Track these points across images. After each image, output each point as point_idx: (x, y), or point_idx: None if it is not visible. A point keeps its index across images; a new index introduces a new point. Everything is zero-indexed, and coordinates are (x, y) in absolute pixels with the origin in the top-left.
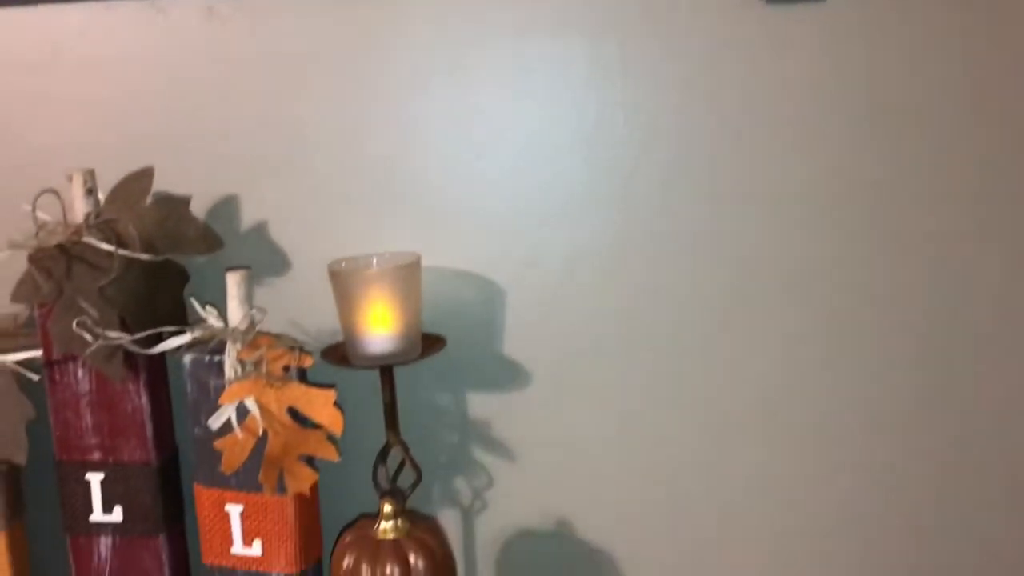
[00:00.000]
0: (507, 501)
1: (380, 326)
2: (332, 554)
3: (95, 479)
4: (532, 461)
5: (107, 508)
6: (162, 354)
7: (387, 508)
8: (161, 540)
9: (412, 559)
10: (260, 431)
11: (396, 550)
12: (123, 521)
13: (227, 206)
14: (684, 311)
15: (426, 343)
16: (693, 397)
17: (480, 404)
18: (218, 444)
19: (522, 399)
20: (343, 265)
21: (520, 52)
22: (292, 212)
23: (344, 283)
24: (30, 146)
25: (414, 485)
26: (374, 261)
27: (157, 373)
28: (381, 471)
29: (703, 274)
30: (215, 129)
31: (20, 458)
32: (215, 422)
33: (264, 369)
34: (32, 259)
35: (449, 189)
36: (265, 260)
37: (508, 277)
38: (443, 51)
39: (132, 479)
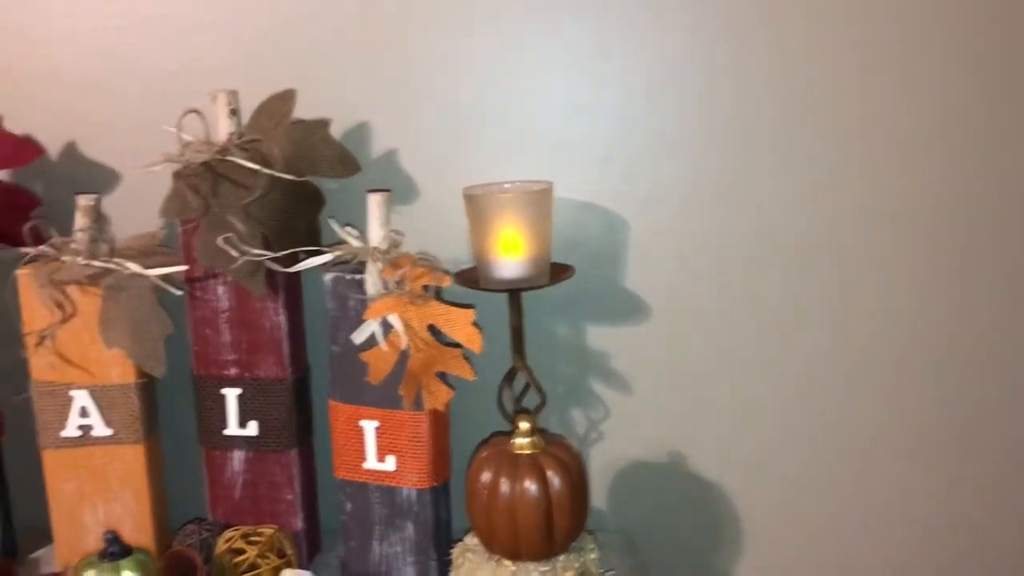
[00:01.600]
0: (621, 432)
1: (511, 251)
2: (468, 469)
3: (231, 394)
4: (648, 394)
5: (242, 423)
6: (297, 274)
7: (523, 425)
8: (293, 455)
9: (549, 474)
10: (404, 346)
11: (534, 464)
12: (258, 435)
13: (360, 132)
14: (804, 246)
15: (554, 271)
16: (811, 333)
17: (599, 336)
18: (364, 356)
19: (640, 332)
20: (478, 189)
21: None
22: (423, 141)
23: (479, 206)
24: (166, 70)
25: (538, 408)
26: (507, 186)
27: (293, 292)
28: (507, 392)
29: (823, 207)
30: (353, 54)
31: (158, 371)
32: (358, 336)
33: (408, 287)
34: (180, 175)
35: (574, 122)
36: (396, 186)
37: (631, 209)
38: None
39: (268, 395)
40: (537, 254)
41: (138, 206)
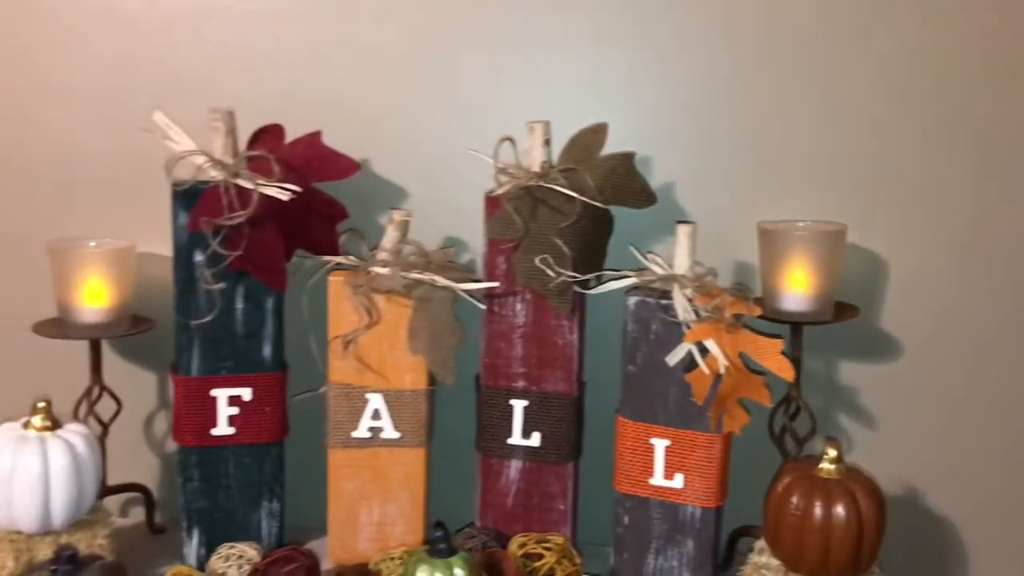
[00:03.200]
0: (861, 463)
1: (798, 285)
2: (771, 493)
3: (519, 405)
4: (892, 431)
5: (526, 433)
6: (583, 296)
7: (831, 452)
8: (570, 467)
9: (860, 498)
10: (721, 370)
11: (845, 489)
12: (539, 446)
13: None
14: None
15: (837, 309)
16: None
17: (848, 372)
18: (688, 377)
19: (891, 372)
20: (773, 224)
21: None
22: (700, 178)
23: (772, 240)
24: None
25: (809, 435)
26: (800, 224)
27: (582, 312)
28: (780, 418)
29: None
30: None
31: (449, 380)
32: (672, 358)
33: (726, 315)
34: (508, 198)
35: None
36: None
37: (892, 250)
38: None
39: (553, 408)
40: (823, 291)
41: (422, 222)
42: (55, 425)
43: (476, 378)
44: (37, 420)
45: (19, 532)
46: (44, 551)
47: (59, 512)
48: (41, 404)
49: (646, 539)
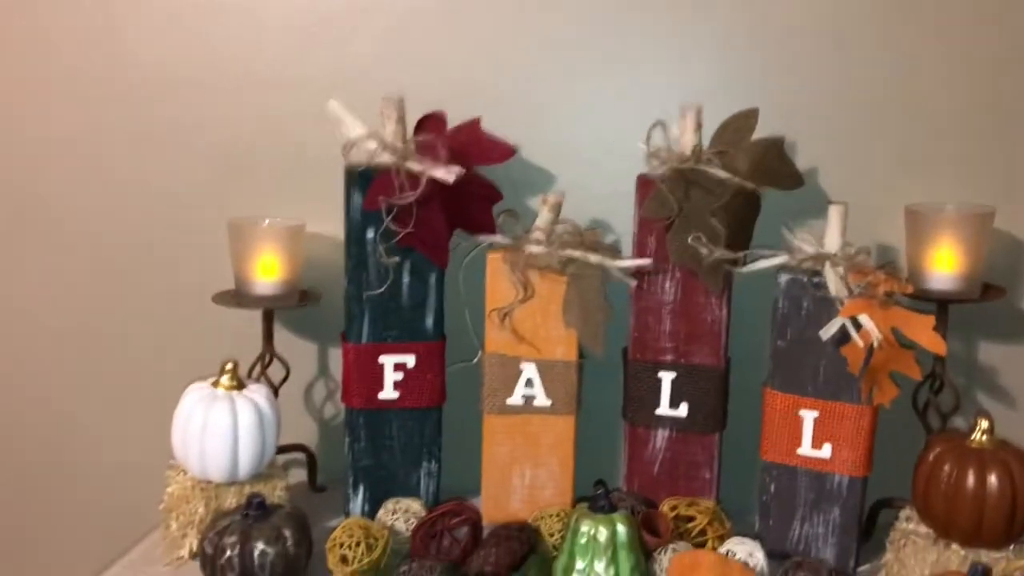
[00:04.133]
0: None
1: (944, 266)
2: (921, 461)
3: (667, 378)
4: None
5: (674, 404)
6: (730, 273)
7: (984, 423)
8: (716, 437)
9: (1015, 468)
10: (875, 343)
11: (999, 460)
12: (687, 417)
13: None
14: None
15: (985, 290)
16: None
17: (990, 353)
18: (843, 349)
19: None
20: (921, 207)
21: None
22: (844, 163)
23: (920, 222)
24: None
25: (954, 409)
26: (949, 208)
27: (730, 290)
28: (923, 393)
29: None
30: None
31: (599, 351)
32: (826, 332)
33: (879, 291)
34: (663, 180)
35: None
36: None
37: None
38: None
39: (701, 380)
40: (970, 272)
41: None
42: (241, 385)
43: (623, 351)
44: (225, 380)
45: (209, 482)
46: (230, 500)
47: (245, 464)
48: (229, 365)
49: (792, 506)
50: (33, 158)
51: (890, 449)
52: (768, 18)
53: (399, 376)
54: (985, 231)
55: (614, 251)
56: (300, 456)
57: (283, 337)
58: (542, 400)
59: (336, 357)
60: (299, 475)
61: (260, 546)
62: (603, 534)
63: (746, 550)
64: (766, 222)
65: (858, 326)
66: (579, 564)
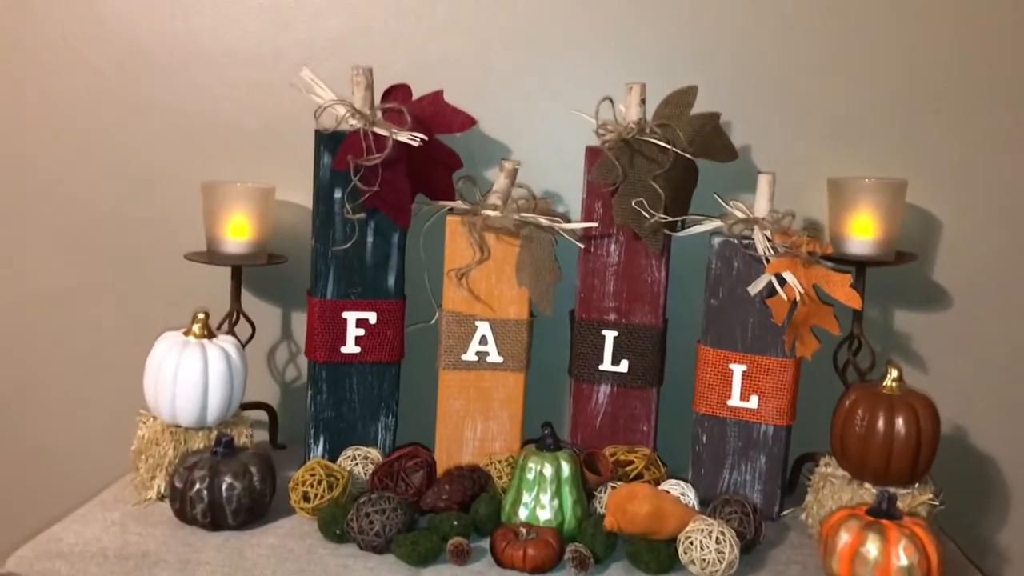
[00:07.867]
0: None
1: (862, 232)
2: (838, 409)
3: (609, 336)
4: (940, 374)
5: (615, 361)
6: (668, 237)
7: (894, 372)
8: (653, 392)
9: (920, 412)
10: (797, 297)
11: (907, 404)
12: (627, 373)
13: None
14: None
15: (898, 255)
16: None
17: (904, 320)
18: (768, 301)
19: (942, 320)
20: (841, 178)
21: None
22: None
23: (841, 190)
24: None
25: (870, 367)
26: (867, 180)
27: (668, 253)
28: (843, 354)
29: None
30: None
31: (548, 312)
32: (753, 288)
33: (802, 251)
34: (610, 148)
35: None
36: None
37: (946, 208)
38: None
39: (640, 339)
40: (886, 238)
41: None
42: (211, 335)
43: (570, 313)
44: (197, 328)
45: (178, 426)
46: (198, 444)
47: (214, 410)
48: (201, 315)
49: (722, 455)
50: (10, 123)
51: (814, 408)
52: (709, 5)
53: (361, 332)
54: (898, 200)
55: (565, 219)
56: (262, 416)
57: (250, 301)
58: (495, 357)
59: (299, 322)
60: (261, 435)
61: (228, 480)
62: (548, 470)
63: (679, 490)
64: (702, 194)
65: (783, 282)
66: (526, 498)
